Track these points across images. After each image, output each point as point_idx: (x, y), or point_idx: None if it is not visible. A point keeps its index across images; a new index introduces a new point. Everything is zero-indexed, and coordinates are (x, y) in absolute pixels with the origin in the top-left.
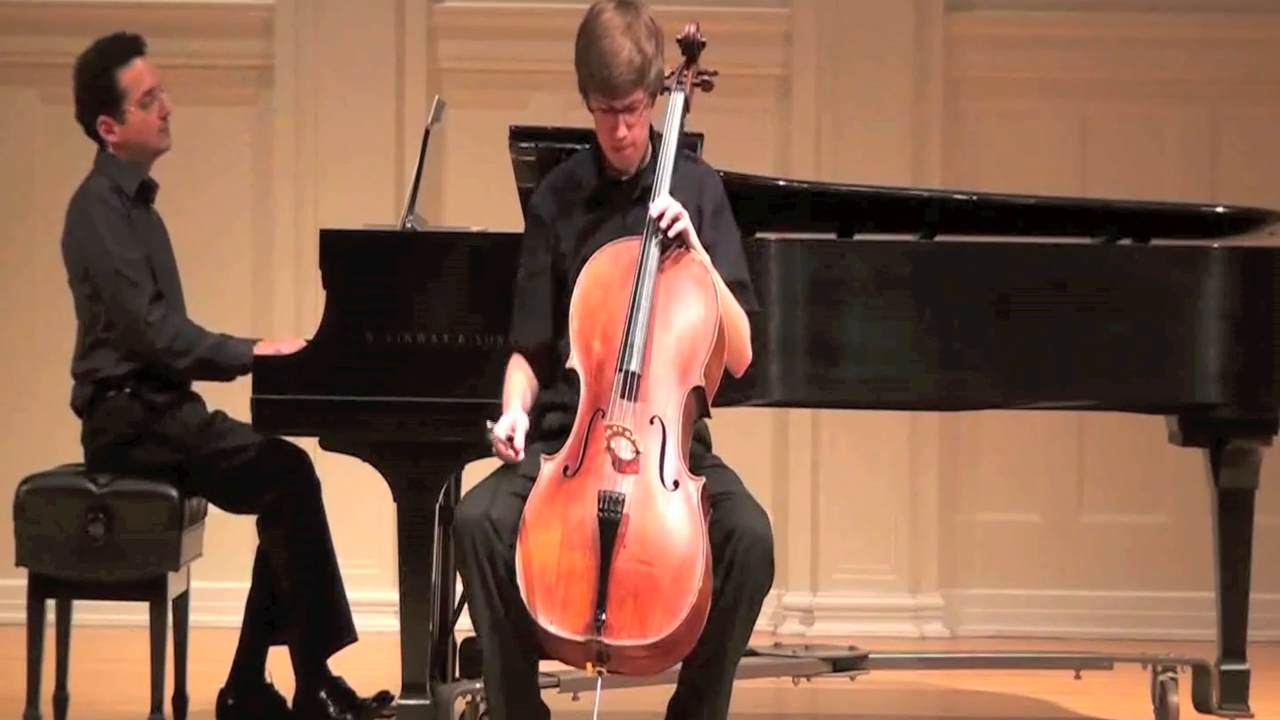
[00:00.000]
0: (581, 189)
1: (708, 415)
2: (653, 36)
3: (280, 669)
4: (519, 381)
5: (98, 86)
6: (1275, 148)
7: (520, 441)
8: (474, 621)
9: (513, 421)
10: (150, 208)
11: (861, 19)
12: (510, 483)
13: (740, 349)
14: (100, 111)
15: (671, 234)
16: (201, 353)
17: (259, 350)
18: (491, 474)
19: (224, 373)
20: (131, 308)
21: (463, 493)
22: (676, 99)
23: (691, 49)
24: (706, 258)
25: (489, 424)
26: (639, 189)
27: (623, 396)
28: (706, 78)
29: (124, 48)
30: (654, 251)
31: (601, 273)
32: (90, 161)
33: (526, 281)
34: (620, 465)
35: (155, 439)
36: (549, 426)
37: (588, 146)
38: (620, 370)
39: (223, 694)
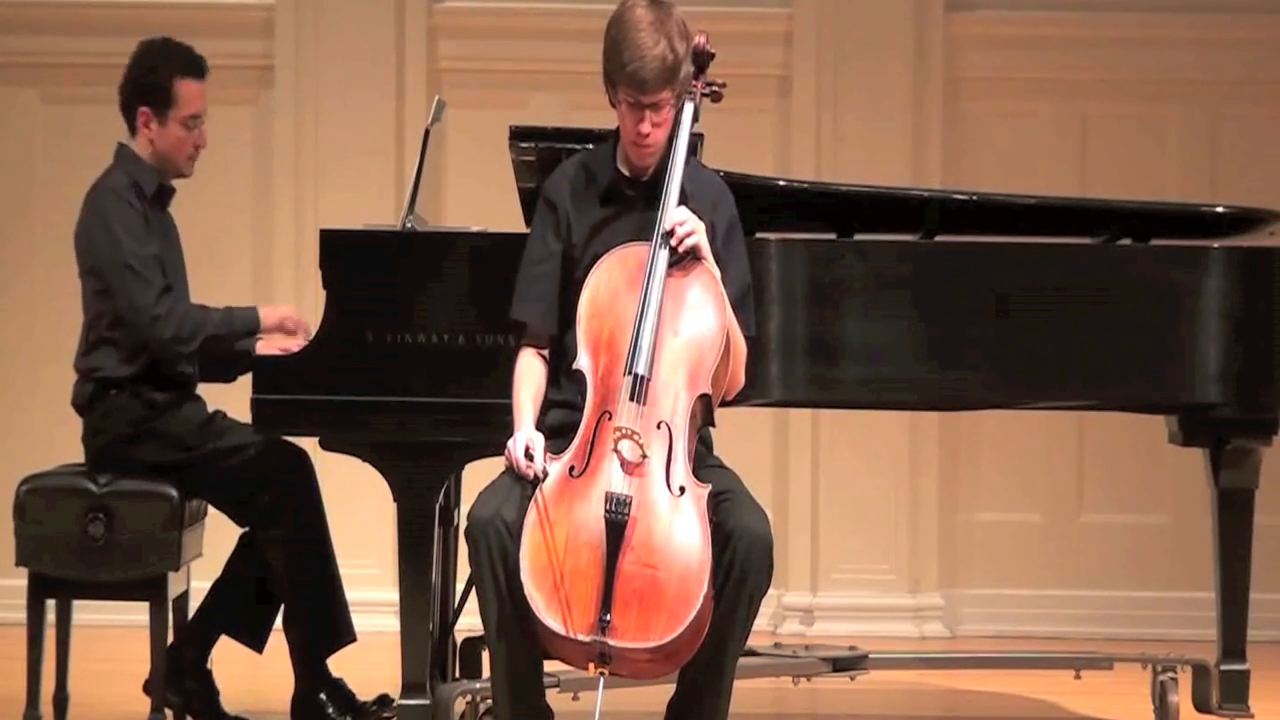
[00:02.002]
0: (597, 183)
1: (712, 424)
2: (684, 38)
3: (281, 669)
4: (528, 392)
5: (152, 81)
6: (1275, 148)
7: (540, 460)
8: (484, 621)
9: (528, 440)
10: (166, 211)
11: (861, 19)
12: (522, 484)
13: (737, 372)
14: (145, 102)
15: (683, 248)
16: (209, 331)
17: (261, 350)
18: (501, 474)
19: (234, 340)
20: (139, 303)
21: (463, 493)
22: (686, 109)
23: (701, 60)
24: (717, 271)
25: (509, 447)
26: (656, 191)
27: (631, 399)
28: (716, 89)
29: (192, 61)
30: (663, 257)
31: (610, 275)
32: (91, 161)
33: (536, 263)
34: (627, 467)
35: (155, 438)
36: (551, 424)
37: (595, 145)
38: (628, 373)
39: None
